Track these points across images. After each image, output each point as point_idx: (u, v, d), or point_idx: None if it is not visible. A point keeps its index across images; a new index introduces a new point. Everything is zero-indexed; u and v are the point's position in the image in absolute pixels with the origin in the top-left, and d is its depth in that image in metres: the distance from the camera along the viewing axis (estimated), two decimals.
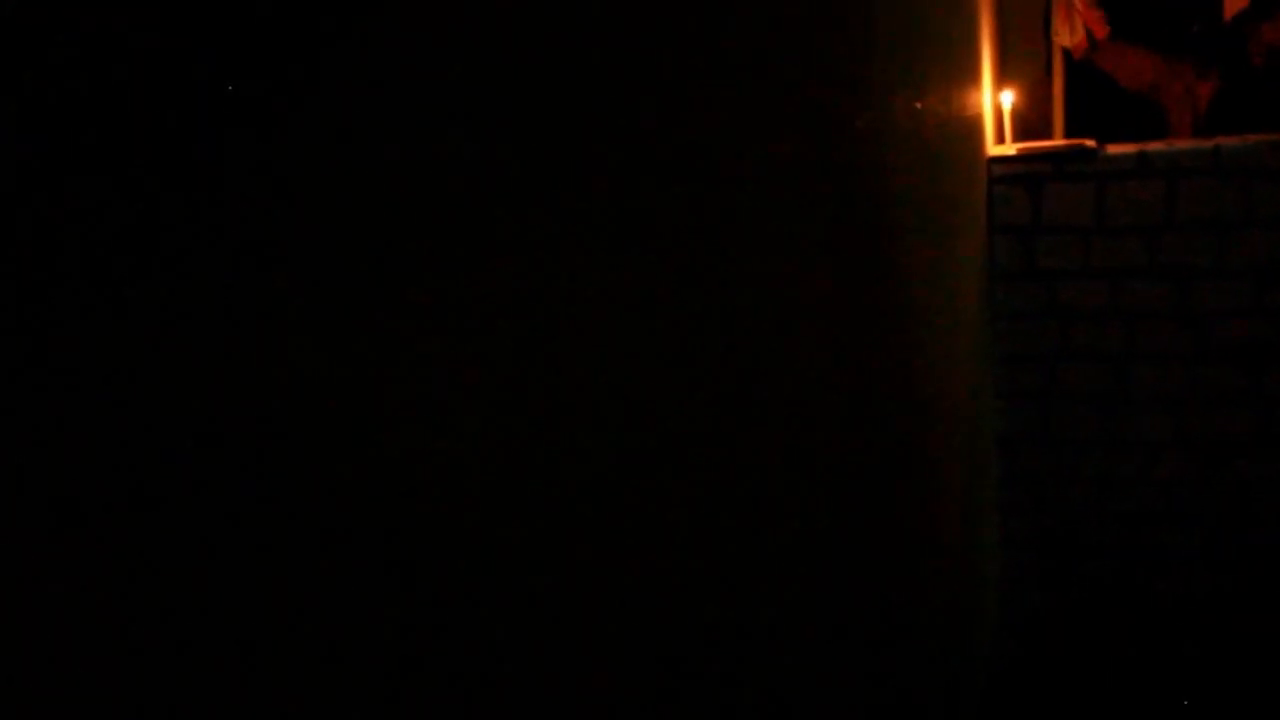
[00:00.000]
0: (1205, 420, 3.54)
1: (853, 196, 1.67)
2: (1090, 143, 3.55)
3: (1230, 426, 3.52)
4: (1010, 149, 3.61)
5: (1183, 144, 3.49)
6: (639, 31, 0.96)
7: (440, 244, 0.70)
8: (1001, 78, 3.81)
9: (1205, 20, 3.72)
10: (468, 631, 0.73)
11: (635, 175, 0.95)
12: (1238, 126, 3.58)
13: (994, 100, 3.68)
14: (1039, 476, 3.69)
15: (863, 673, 1.78)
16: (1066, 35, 3.87)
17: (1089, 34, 3.81)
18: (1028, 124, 3.86)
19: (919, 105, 2.40)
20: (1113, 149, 3.56)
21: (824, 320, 1.49)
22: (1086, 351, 3.60)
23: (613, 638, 0.93)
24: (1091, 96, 4.08)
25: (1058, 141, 3.66)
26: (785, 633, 1.39)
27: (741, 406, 1.18)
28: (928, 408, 2.42)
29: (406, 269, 0.67)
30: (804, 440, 1.43)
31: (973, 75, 3.40)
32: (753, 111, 1.22)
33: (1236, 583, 3.59)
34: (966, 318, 3.20)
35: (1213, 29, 3.73)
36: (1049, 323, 3.62)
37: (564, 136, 0.84)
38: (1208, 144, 3.46)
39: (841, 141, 1.62)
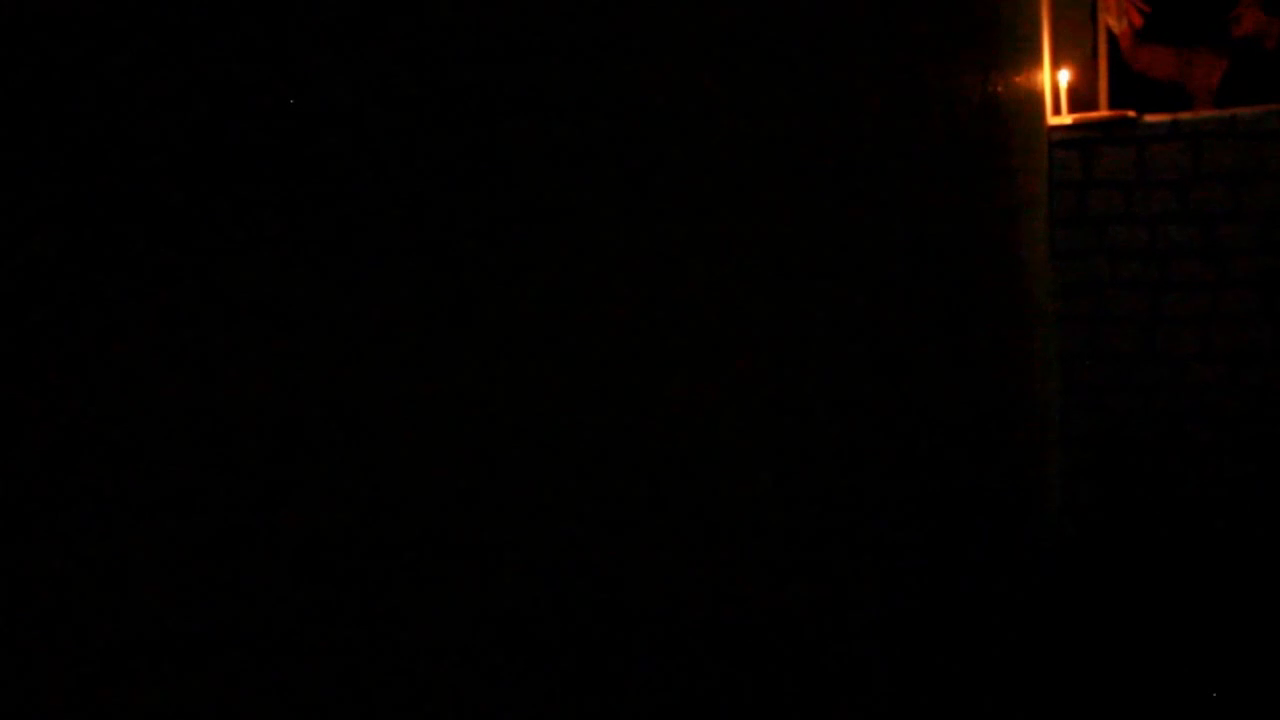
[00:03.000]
0: (1227, 336, 4.39)
1: (981, 155, 2.55)
2: (1131, 113, 4.39)
3: (1248, 341, 4.37)
4: (1066, 119, 4.46)
5: (1206, 113, 4.33)
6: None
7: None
8: (1056, 59, 4.65)
9: (1218, 17, 4.57)
10: None
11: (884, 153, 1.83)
12: (1249, 99, 4.42)
13: (1052, 78, 4.52)
14: (1091, 385, 4.55)
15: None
16: (1114, 23, 4.70)
17: (1131, 27, 4.64)
18: (1079, 97, 4.69)
19: (1008, 84, 3.26)
20: (1150, 118, 4.40)
21: (974, 237, 2.37)
22: (1128, 282, 4.45)
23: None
24: (1131, 74, 4.91)
25: (1104, 113, 4.51)
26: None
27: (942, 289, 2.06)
28: (1020, 317, 3.29)
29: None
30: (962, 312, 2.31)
31: (1037, 59, 4.25)
32: (932, 98, 2.09)
33: (1259, 468, 4.44)
34: (1036, 255, 4.06)
35: (1224, 24, 4.58)
36: (1098, 260, 4.47)
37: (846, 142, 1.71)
38: (1227, 113, 4.30)
39: (971, 113, 2.49)
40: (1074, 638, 4.11)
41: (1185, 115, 4.37)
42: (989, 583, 2.86)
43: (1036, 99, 4.18)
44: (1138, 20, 4.70)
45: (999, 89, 3.09)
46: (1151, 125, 4.38)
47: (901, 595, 1.92)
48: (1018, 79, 3.57)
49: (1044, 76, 4.39)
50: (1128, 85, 4.88)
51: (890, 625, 1.86)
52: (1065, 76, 4.56)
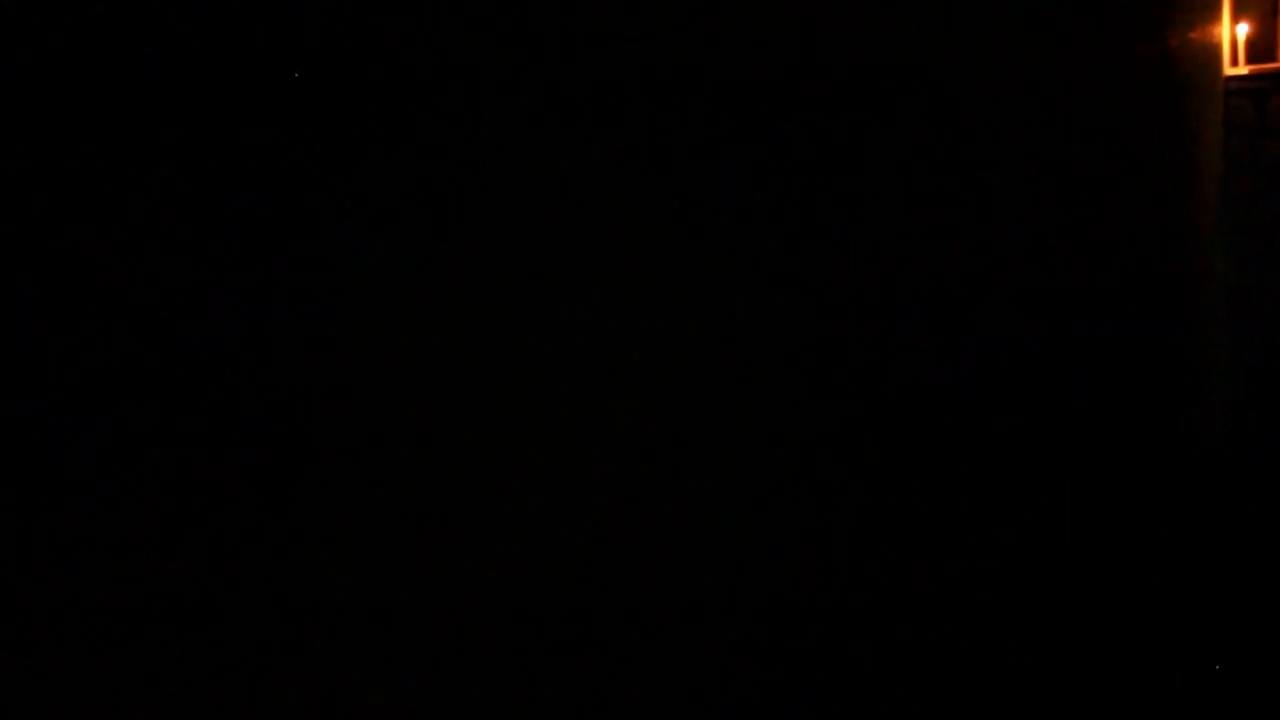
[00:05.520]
0: None
1: (1165, 102, 2.98)
2: None
3: None
4: (1243, 70, 4.77)
5: None
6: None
7: None
8: (1237, 13, 4.95)
9: None
10: None
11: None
12: None
13: (1231, 32, 4.83)
14: (1255, 320, 4.87)
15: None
16: None
17: None
18: (1256, 50, 4.97)
19: (1189, 36, 3.64)
20: None
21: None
22: None
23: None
24: None
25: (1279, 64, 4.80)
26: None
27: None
28: (1197, 245, 3.70)
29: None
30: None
31: (1216, 13, 4.58)
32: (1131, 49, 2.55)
33: None
34: (1209, 194, 4.42)
35: None
36: (1266, 202, 4.78)
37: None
38: None
39: (1164, 58, 2.92)
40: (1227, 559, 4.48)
41: None
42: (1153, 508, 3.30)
43: (1214, 50, 4.51)
44: None
45: (1181, 42, 3.48)
46: None
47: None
48: (1198, 33, 3.93)
49: (1223, 30, 4.71)
50: None
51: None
52: (1244, 30, 4.86)
